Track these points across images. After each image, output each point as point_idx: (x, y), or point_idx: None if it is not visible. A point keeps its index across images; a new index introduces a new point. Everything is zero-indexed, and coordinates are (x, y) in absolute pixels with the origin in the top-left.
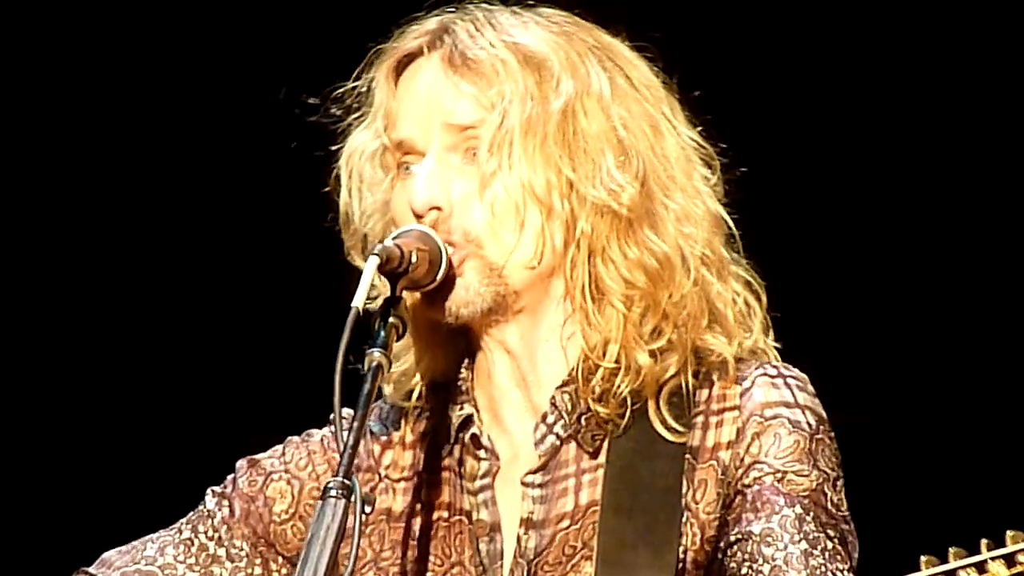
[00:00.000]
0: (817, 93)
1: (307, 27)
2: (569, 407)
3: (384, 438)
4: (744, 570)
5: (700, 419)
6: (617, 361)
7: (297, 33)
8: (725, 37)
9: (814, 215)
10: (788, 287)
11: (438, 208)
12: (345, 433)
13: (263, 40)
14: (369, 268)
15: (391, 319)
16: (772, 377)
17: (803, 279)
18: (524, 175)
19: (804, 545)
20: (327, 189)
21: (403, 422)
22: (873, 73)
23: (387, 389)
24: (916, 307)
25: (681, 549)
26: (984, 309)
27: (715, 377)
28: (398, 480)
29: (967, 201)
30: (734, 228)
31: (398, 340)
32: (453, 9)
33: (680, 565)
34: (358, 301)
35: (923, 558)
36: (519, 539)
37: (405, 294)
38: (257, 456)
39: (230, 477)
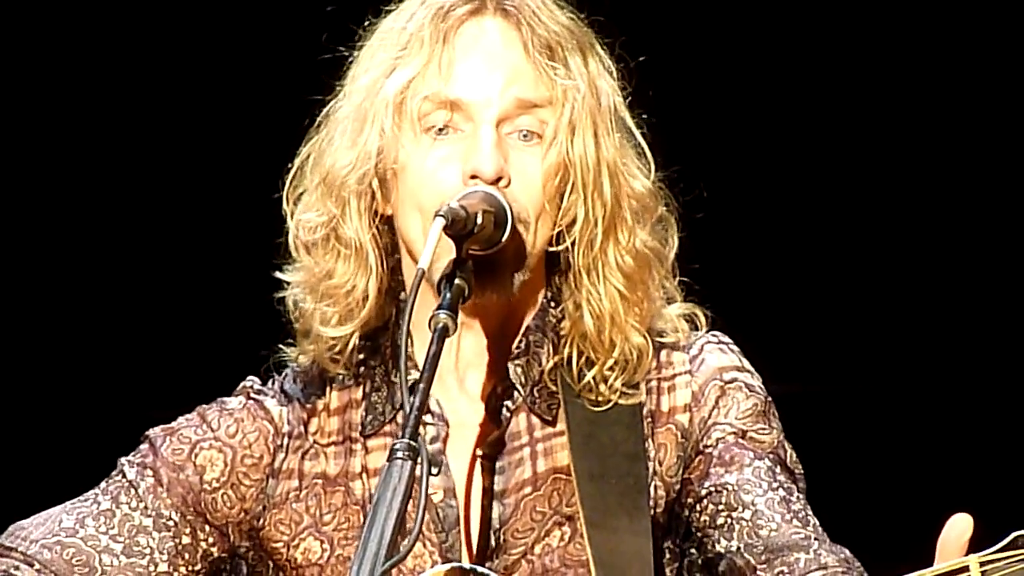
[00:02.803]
0: (765, 85)
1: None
2: (523, 379)
3: (309, 406)
4: (721, 520)
5: (652, 384)
6: (612, 341)
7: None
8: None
9: (749, 195)
10: (734, 261)
11: (501, 178)
12: (410, 395)
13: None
14: (435, 230)
15: (457, 280)
16: (716, 344)
17: (749, 254)
18: (586, 161)
19: (782, 492)
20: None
21: (328, 389)
22: (824, 64)
23: (310, 353)
24: (859, 278)
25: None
26: (927, 282)
27: (662, 344)
28: (327, 445)
29: (901, 179)
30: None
31: (463, 303)
32: None
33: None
34: (424, 263)
35: None
36: (483, 509)
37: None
38: (171, 425)
39: (145, 447)
